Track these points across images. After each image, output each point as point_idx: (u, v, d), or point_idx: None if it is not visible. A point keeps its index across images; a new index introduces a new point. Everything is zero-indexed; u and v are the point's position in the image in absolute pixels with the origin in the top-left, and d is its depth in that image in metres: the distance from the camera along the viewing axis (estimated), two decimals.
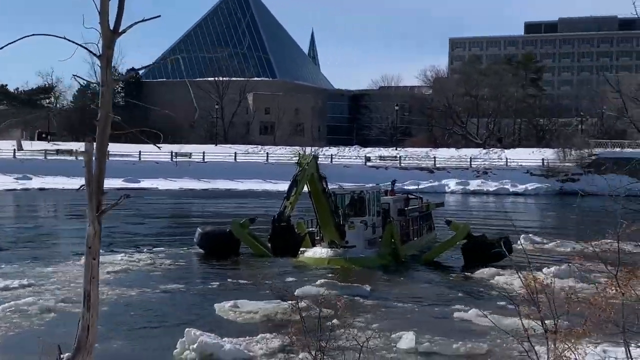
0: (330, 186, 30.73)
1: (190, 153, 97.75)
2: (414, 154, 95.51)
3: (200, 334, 15.72)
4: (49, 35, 10.34)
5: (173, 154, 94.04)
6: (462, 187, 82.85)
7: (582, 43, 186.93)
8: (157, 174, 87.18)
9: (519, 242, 35.57)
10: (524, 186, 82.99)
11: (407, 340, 15.85)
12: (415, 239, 33.77)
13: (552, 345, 9.08)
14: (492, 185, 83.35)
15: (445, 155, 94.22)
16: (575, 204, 61.16)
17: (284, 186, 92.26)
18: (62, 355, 9.01)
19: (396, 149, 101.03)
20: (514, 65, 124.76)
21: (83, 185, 9.95)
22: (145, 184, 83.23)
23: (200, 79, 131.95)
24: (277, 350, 15.94)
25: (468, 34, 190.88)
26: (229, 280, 25.61)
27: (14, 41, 10.39)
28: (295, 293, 22.12)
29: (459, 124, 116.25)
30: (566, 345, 9.13)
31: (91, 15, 8.89)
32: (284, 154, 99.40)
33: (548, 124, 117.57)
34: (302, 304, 20.79)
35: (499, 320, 17.53)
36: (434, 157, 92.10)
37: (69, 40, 9.81)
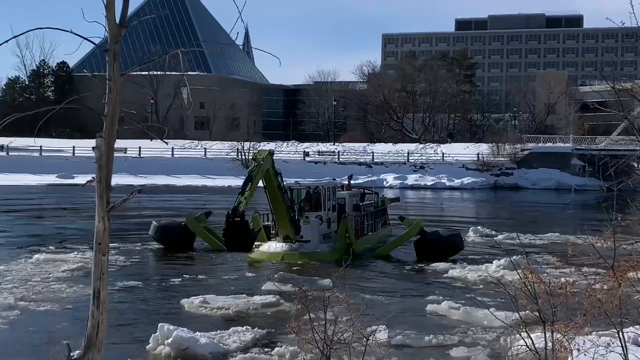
0: (287, 181, 30.98)
1: (126, 148, 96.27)
2: (351, 149, 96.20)
3: (174, 328, 15.68)
4: (55, 28, 10.25)
5: None
6: (400, 181, 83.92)
7: (511, 40, 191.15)
8: (91, 169, 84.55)
9: (469, 234, 36.69)
10: (460, 180, 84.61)
11: (379, 333, 16.09)
12: (370, 233, 34.12)
13: (550, 335, 9.44)
14: (429, 180, 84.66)
15: (382, 150, 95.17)
16: (570, 199, 62.79)
17: (222, 182, 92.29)
18: (72, 353, 8.96)
19: (334, 144, 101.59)
20: (448, 61, 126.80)
21: (89, 181, 9.90)
22: (80, 180, 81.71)
23: (134, 73, 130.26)
24: (251, 343, 16.15)
25: (400, 31, 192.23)
26: (187, 276, 25.57)
27: (21, 34, 10.24)
28: (263, 288, 22.36)
29: (395, 119, 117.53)
30: (561, 336, 9.52)
31: (90, 9, 8.87)
32: (221, 149, 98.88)
33: (481, 120, 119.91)
34: (272, 298, 21.15)
35: (471, 313, 18.12)
36: (372, 152, 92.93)
37: (75, 34, 9.74)
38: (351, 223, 31.44)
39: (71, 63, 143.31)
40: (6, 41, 9.19)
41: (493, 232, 37.76)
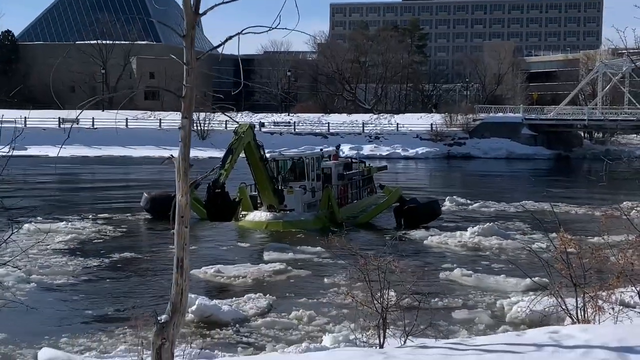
0: (272, 153, 31.80)
1: (78, 119, 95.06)
2: (306, 120, 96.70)
3: (196, 297, 16.30)
4: (139, 17, 10.72)
5: (60, 120, 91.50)
6: (355, 152, 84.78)
7: (458, 10, 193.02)
8: (44, 140, 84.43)
9: (445, 202, 37.98)
10: (414, 150, 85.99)
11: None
12: (355, 201, 34.94)
13: (581, 298, 10.42)
14: (384, 150, 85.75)
15: (337, 120, 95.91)
16: (527, 167, 64.17)
17: (178, 152, 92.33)
18: (159, 317, 9.64)
19: (288, 115, 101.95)
20: (400, 32, 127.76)
21: (167, 158, 10.52)
22: (33, 151, 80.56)
23: (82, 42, 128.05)
24: (267, 309, 17.03)
25: (349, 0, 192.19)
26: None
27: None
28: (265, 258, 23.18)
29: (347, 90, 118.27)
30: (590, 297, 10.51)
31: None
32: (175, 120, 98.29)
33: (432, 90, 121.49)
34: (280, 266, 21.97)
35: (482, 279, 19.22)
36: (327, 123, 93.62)
37: (160, 23, 10.29)
38: (334, 192, 32.29)
39: (16, 32, 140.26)
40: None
41: (468, 201, 39.11)
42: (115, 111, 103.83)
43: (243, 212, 31.63)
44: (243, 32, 10.36)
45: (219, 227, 29.97)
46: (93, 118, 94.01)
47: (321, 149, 36.25)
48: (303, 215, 31.15)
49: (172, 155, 10.11)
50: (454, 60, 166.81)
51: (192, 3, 9.70)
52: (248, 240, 28.58)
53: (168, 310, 9.79)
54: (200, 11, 9.80)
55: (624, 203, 11.73)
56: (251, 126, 30.75)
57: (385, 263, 10.31)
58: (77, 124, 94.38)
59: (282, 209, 31.12)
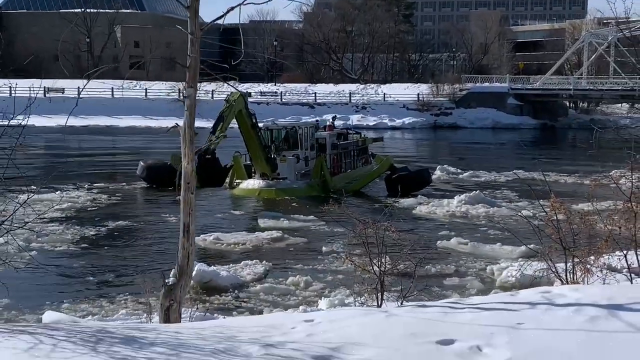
0: (265, 122, 32.44)
1: (64, 88, 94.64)
2: (293, 90, 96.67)
3: (195, 262, 16.66)
4: None
5: (45, 89, 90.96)
6: (343, 122, 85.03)
7: None
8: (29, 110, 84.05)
9: (436, 172, 38.54)
10: (401, 120, 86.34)
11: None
12: (349, 170, 35.41)
13: (570, 262, 10.83)
14: (371, 120, 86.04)
15: (324, 90, 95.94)
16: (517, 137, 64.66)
17: (165, 122, 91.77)
18: (166, 280, 10.00)
19: (275, 85, 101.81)
20: (387, 1, 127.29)
21: (172, 126, 10.80)
22: (18, 121, 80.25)
23: (66, 10, 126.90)
24: (264, 274, 17.46)
25: None
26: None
27: None
28: (261, 225, 23.59)
29: (334, 59, 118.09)
30: (579, 260, 10.93)
31: None
32: (161, 89, 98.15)
33: (419, 60, 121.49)
34: (277, 233, 22.39)
35: (478, 247, 19.68)
36: (314, 93, 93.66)
37: None
38: (327, 161, 32.78)
39: None
40: None
41: (459, 170, 39.71)
42: (101, 81, 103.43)
43: (237, 181, 32.39)
44: (244, 3, 10.61)
45: (213, 195, 30.48)
46: (79, 87, 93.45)
47: (317, 120, 36.86)
48: (296, 183, 31.75)
49: (177, 124, 10.40)
50: (440, 30, 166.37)
51: None
52: (242, 208, 29.13)
53: (175, 273, 10.15)
54: None
55: (613, 172, 12.07)
56: (242, 94, 31.21)
57: (383, 229, 10.67)
58: (63, 93, 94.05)
59: (274, 177, 31.69)
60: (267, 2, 10.55)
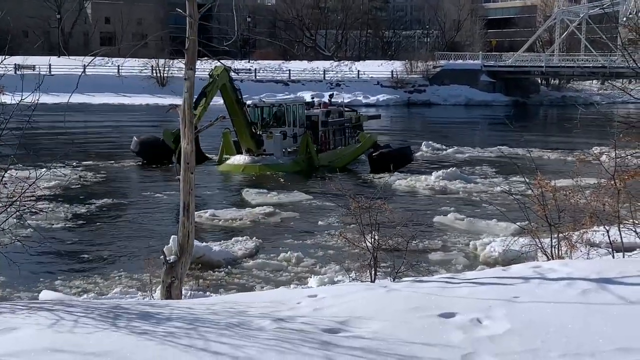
0: (253, 100, 32.93)
1: (34, 65, 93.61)
2: (267, 67, 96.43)
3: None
4: None
5: (16, 66, 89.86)
6: (317, 99, 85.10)
7: None
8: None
9: (422, 147, 39.15)
10: (375, 97, 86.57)
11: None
12: (341, 148, 35.76)
13: (555, 237, 11.21)
14: (345, 97, 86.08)
15: (298, 67, 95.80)
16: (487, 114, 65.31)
17: (139, 100, 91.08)
18: (167, 258, 10.24)
19: (248, 62, 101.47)
20: None
21: (171, 106, 10.98)
22: None
23: None
24: (255, 250, 17.79)
25: None
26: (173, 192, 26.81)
27: None
28: (251, 201, 23.91)
29: (307, 36, 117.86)
30: (564, 235, 11.32)
31: None
32: (134, 66, 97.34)
33: (393, 37, 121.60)
34: (269, 209, 22.72)
35: (475, 223, 20.06)
36: (288, 70, 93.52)
37: None
38: (318, 138, 33.40)
39: None
40: None
41: (443, 146, 40.23)
42: (72, 57, 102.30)
43: (226, 156, 33.02)
44: None
45: (200, 171, 30.78)
46: (50, 64, 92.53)
47: (312, 97, 37.43)
48: (281, 159, 32.21)
49: (175, 105, 10.57)
50: (413, 6, 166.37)
51: None
52: (229, 183, 29.55)
53: (176, 250, 10.39)
54: None
55: (594, 148, 12.44)
56: (226, 68, 31.47)
57: (375, 205, 10.96)
58: (34, 70, 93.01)
59: (260, 153, 32.12)
60: None
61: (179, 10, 10.33)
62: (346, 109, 39.84)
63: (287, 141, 32.81)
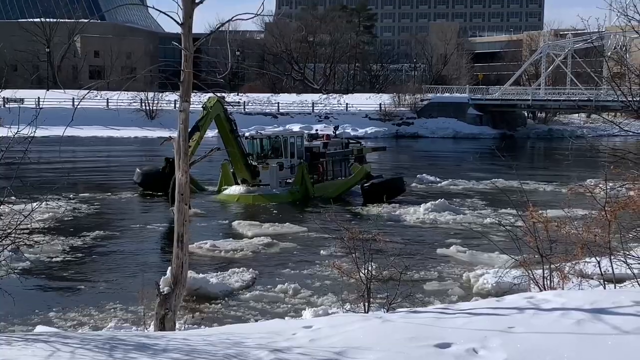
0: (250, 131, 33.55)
1: (23, 99, 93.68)
2: (256, 100, 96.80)
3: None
4: (141, 4, 11.10)
5: (5, 99, 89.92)
6: (306, 131, 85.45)
7: None
8: None
9: (414, 182, 39.41)
10: (363, 130, 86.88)
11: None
12: (340, 178, 36.12)
13: (547, 268, 11.27)
14: (316, 130, 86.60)
15: (287, 100, 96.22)
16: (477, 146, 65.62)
17: (127, 132, 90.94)
18: (161, 289, 10.22)
19: (237, 95, 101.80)
20: (348, 12, 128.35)
21: (165, 139, 11.03)
22: None
23: (25, 20, 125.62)
24: (252, 282, 17.82)
25: None
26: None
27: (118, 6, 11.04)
28: (249, 234, 23.92)
29: (296, 70, 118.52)
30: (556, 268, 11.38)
31: None
32: (123, 99, 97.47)
33: (380, 70, 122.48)
34: (267, 239, 22.73)
35: (476, 256, 20.13)
36: (277, 103, 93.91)
37: (156, 10, 10.72)
38: (313, 169, 33.92)
39: None
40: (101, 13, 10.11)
41: (437, 179, 40.42)
42: (60, 90, 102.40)
43: (224, 187, 33.62)
44: (234, 18, 10.92)
45: (195, 202, 30.91)
46: (38, 97, 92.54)
47: (317, 130, 38.25)
48: (277, 190, 32.67)
49: (170, 136, 10.62)
50: (400, 41, 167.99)
51: None
52: (227, 214, 29.64)
53: (170, 282, 10.37)
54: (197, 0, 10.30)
55: (588, 181, 12.61)
56: (219, 99, 31.82)
57: (369, 236, 11.00)
58: (22, 103, 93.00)
59: (256, 183, 32.46)
60: (254, 17, 10.85)
61: (174, 43, 10.43)
62: (351, 141, 40.44)
63: (284, 172, 33.39)
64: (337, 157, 36.80)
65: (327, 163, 35.57)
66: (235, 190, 32.77)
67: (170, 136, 10.62)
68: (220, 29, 12.22)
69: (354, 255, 10.88)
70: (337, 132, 41.82)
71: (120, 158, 55.31)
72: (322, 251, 20.88)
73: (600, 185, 11.91)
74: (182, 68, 10.18)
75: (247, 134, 34.71)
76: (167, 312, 10.02)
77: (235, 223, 27.18)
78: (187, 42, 10.13)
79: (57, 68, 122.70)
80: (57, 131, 67.48)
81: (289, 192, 32.72)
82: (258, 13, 10.68)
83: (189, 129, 29.70)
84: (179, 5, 10.06)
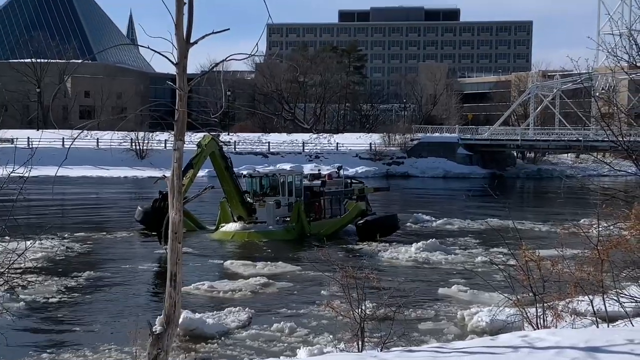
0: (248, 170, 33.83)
1: (13, 139, 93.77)
2: (246, 139, 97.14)
3: (181, 310, 16.81)
4: (135, 45, 11.18)
5: None
6: (310, 171, 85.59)
7: (392, 32, 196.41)
8: None
9: (410, 221, 39.46)
10: (354, 169, 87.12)
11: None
12: (338, 217, 36.30)
13: (540, 306, 11.27)
14: (324, 169, 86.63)
15: (277, 140, 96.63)
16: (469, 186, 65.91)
17: (117, 172, 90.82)
18: (153, 329, 10.14)
19: (228, 134, 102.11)
20: (339, 53, 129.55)
21: (159, 178, 11.04)
22: None
23: (16, 61, 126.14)
24: (247, 322, 17.88)
25: (285, 21, 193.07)
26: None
27: (105, 49, 11.13)
28: (245, 273, 23.89)
29: (286, 109, 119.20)
30: (549, 304, 11.39)
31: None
32: (113, 139, 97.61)
33: (370, 110, 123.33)
34: (263, 279, 22.68)
35: (478, 295, 20.08)
36: (268, 142, 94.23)
37: (151, 50, 10.80)
38: (302, 206, 33.88)
39: None
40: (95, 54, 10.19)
41: (432, 218, 40.50)
42: (51, 130, 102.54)
43: (222, 225, 33.65)
44: (228, 59, 11.01)
45: (191, 240, 30.95)
46: (28, 137, 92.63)
47: (319, 169, 38.91)
48: (273, 227, 32.81)
49: (164, 175, 10.62)
50: (390, 81, 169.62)
51: (184, 34, 10.25)
52: (223, 253, 29.62)
53: (162, 321, 10.28)
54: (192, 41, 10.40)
55: (582, 220, 12.75)
56: (214, 137, 32.26)
57: (363, 275, 11.00)
58: (12, 143, 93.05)
59: (251, 220, 32.68)
60: (248, 57, 10.94)
61: (169, 83, 10.49)
62: (353, 181, 40.85)
63: (281, 210, 33.61)
64: (336, 196, 37.00)
65: (325, 201, 35.80)
66: (231, 227, 32.91)
67: (163, 175, 10.62)
68: (213, 69, 12.29)
69: (347, 294, 10.85)
70: (341, 172, 42.01)
71: (112, 197, 55.27)
72: (317, 290, 20.85)
73: (593, 224, 11.96)
74: (176, 107, 10.21)
75: (245, 172, 35.21)
76: (160, 353, 9.93)
77: (230, 263, 27.07)
78: (182, 82, 10.17)
79: (48, 108, 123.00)
80: (46, 171, 67.52)
81: (284, 230, 32.90)
82: (252, 53, 10.78)
83: (184, 167, 30.07)
84: (173, 45, 10.14)
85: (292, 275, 24.11)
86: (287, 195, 34.03)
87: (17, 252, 9.37)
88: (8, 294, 18.73)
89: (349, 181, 40.13)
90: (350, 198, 37.88)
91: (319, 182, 36.72)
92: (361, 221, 33.71)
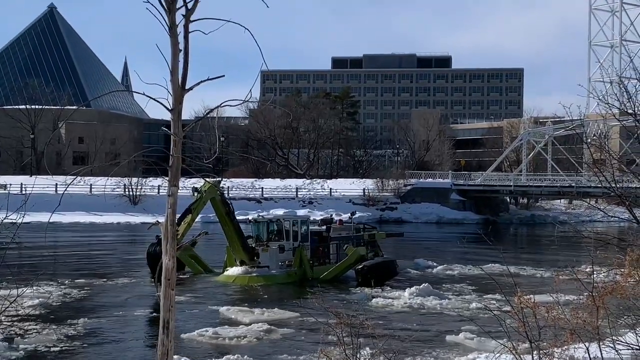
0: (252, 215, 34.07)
1: (6, 184, 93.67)
2: (240, 185, 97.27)
3: (178, 358, 16.60)
4: (131, 92, 11.25)
5: None
6: (320, 217, 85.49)
7: (385, 79, 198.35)
8: None
9: (410, 266, 39.42)
10: (347, 215, 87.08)
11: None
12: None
13: (536, 353, 11.17)
14: (318, 215, 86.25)
15: (271, 185, 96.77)
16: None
17: (110, 218, 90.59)
18: None
19: (222, 179, 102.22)
20: (331, 99, 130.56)
21: (153, 224, 10.98)
22: None
23: (10, 107, 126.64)
24: None
25: (279, 67, 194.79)
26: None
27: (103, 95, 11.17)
28: (246, 320, 23.80)
29: (280, 155, 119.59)
30: (546, 352, 11.29)
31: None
32: (106, 185, 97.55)
33: (363, 155, 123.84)
34: (266, 326, 22.53)
35: (484, 342, 19.88)
36: (261, 188, 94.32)
37: (148, 97, 10.85)
38: (305, 251, 34.47)
39: None
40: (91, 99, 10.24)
41: (434, 264, 40.73)
42: (44, 176, 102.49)
43: (227, 269, 34.11)
44: (222, 105, 11.05)
45: (195, 284, 30.81)
46: (22, 183, 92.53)
47: (331, 215, 39.58)
48: (276, 271, 33.24)
49: (158, 220, 10.58)
50: (383, 127, 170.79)
51: (179, 80, 10.30)
52: (225, 298, 29.50)
53: None
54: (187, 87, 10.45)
55: (583, 266, 12.79)
56: (214, 184, 32.56)
57: (358, 322, 10.91)
58: (5, 189, 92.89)
59: (254, 264, 33.09)
60: (242, 103, 11.03)
61: (164, 129, 10.52)
62: (366, 226, 41.52)
63: (285, 254, 34.00)
64: (344, 241, 37.22)
65: (330, 246, 36.13)
66: (233, 271, 33.27)
67: (157, 220, 10.57)
68: (207, 115, 12.35)
69: (342, 342, 10.74)
70: (353, 217, 42.57)
71: (106, 243, 55.04)
72: (316, 336, 20.69)
73: (587, 271, 11.93)
74: (171, 153, 10.22)
75: (251, 218, 35.74)
76: None
77: (228, 309, 26.85)
78: (177, 128, 10.19)
79: (41, 154, 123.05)
80: (39, 217, 67.36)
81: (286, 274, 33.36)
82: (246, 99, 10.85)
83: (182, 212, 30.05)
84: (169, 91, 10.18)
85: (291, 322, 24.13)
86: (291, 240, 34.47)
87: (10, 298, 9.28)
88: (7, 343, 18.59)
89: (361, 226, 40.35)
90: (360, 244, 37.89)
91: (325, 227, 37.22)
92: (360, 266, 33.85)
